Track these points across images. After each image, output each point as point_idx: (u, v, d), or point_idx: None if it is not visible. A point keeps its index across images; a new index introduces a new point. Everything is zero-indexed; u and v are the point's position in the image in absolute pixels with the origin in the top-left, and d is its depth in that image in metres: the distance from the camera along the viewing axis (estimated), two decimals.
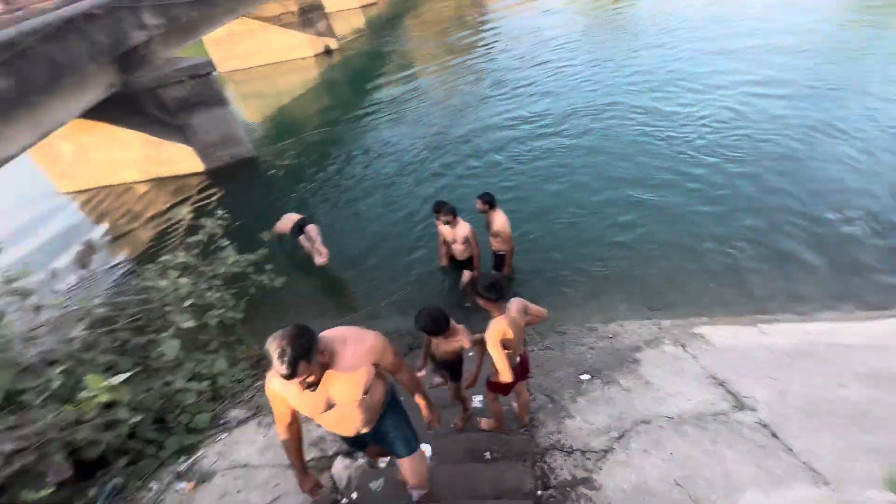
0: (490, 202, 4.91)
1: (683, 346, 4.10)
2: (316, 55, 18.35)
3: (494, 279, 2.62)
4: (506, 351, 2.71)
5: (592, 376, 3.88)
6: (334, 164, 9.63)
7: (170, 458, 3.51)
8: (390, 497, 2.87)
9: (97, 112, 8.75)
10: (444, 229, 5.20)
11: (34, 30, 6.41)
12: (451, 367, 3.29)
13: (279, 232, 6.43)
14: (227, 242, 4.94)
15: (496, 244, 5.16)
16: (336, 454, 3.40)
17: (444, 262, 5.68)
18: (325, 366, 1.83)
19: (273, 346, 1.64)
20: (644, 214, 6.39)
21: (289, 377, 1.64)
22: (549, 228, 6.50)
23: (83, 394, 2.91)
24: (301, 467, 2.19)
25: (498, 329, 2.66)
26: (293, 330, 1.68)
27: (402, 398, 2.38)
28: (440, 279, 5.96)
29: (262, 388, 4.36)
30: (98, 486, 3.27)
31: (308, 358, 1.67)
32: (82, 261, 4.92)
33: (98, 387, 2.86)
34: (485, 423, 3.47)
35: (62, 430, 2.99)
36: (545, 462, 3.07)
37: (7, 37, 6.03)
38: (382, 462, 3.28)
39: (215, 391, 4.19)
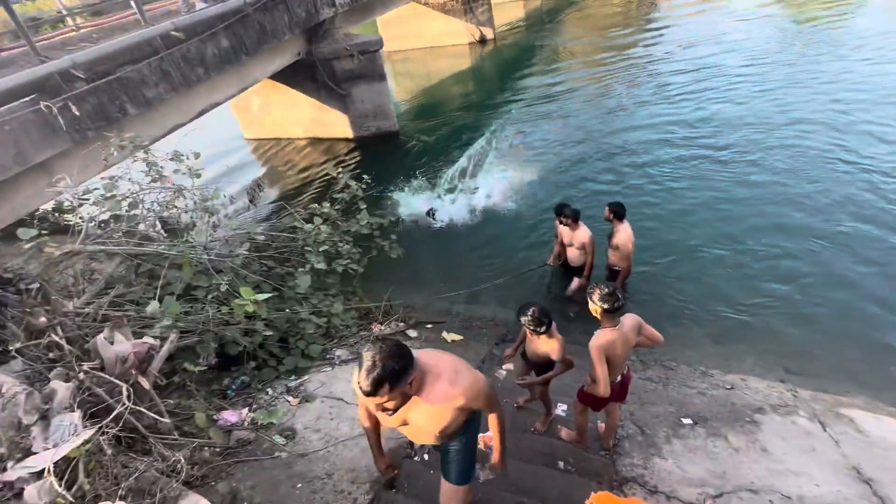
0: (618, 212, 4.65)
1: (823, 424, 3.46)
2: (470, 43, 18.91)
3: (613, 289, 2.51)
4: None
5: (696, 423, 3.51)
6: (464, 150, 9.94)
7: (284, 374, 4.11)
8: None
9: (281, 75, 10.27)
10: (564, 230, 5.08)
11: (256, 0, 7.71)
12: (539, 368, 3.25)
13: None
14: (364, 206, 5.49)
15: (614, 258, 4.88)
16: None
17: (552, 261, 5.55)
18: (408, 396, 1.65)
19: (366, 356, 1.51)
20: (812, 264, 5.47)
21: (366, 395, 1.51)
22: (688, 255, 5.94)
23: (237, 301, 3.54)
24: (378, 450, 2.21)
25: (605, 339, 2.55)
26: (392, 348, 1.53)
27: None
28: (546, 281, 5.86)
29: (365, 337, 4.82)
30: (231, 378, 3.99)
31: (394, 384, 1.51)
32: (252, 195, 5.90)
33: (249, 298, 3.46)
34: (566, 433, 3.38)
35: (217, 325, 3.70)
36: (623, 492, 2.89)
37: (236, 4, 7.37)
38: None
39: (328, 329, 4.75)
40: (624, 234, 4.70)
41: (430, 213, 7.80)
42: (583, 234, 4.91)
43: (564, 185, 7.95)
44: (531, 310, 2.76)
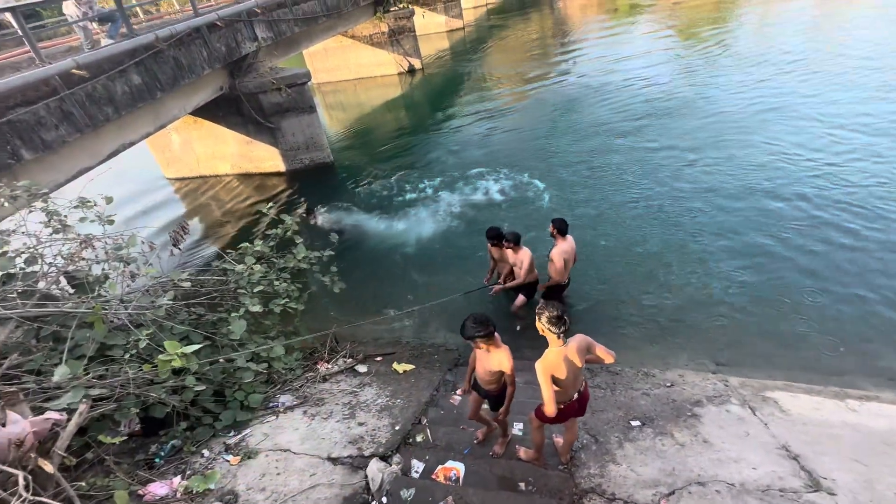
0: (559, 228, 4.89)
1: (753, 409, 3.74)
2: (399, 73, 19.33)
3: (562, 312, 2.53)
4: (555, 387, 2.62)
5: (644, 424, 3.64)
6: (402, 175, 10.01)
7: (222, 431, 3.76)
8: None
9: (203, 110, 9.82)
10: (508, 253, 5.19)
11: (169, 35, 7.38)
12: (494, 398, 3.22)
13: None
14: (300, 240, 5.27)
15: (550, 270, 5.09)
16: (372, 455, 3.45)
17: (500, 281, 5.65)
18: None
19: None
20: (729, 257, 6.06)
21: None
22: (621, 260, 6.32)
23: (161, 357, 3.20)
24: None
25: (549, 362, 2.58)
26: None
27: None
28: (490, 301, 5.93)
29: (311, 379, 4.55)
30: (159, 444, 3.57)
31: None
32: (175, 238, 5.47)
33: (174, 352, 3.14)
34: (523, 452, 3.37)
35: (139, 386, 3.31)
36: None
37: (147, 40, 6.99)
38: (416, 472, 3.28)
39: (270, 375, 4.44)
40: (557, 248, 4.93)
41: (312, 212, 8.03)
42: (524, 254, 5.06)
43: (492, 207, 8.21)
44: (468, 319, 2.80)
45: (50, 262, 4.00)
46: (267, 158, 11.08)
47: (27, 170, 5.70)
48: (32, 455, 2.27)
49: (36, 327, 3.55)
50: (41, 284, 3.82)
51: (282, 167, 11.12)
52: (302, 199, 7.04)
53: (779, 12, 19.04)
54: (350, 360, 5.05)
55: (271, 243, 5.11)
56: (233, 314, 4.28)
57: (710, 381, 4.25)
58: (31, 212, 4.20)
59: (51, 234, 4.13)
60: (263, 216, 5.43)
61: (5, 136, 5.26)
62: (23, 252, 3.84)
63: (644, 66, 14.38)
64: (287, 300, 4.73)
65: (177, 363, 3.25)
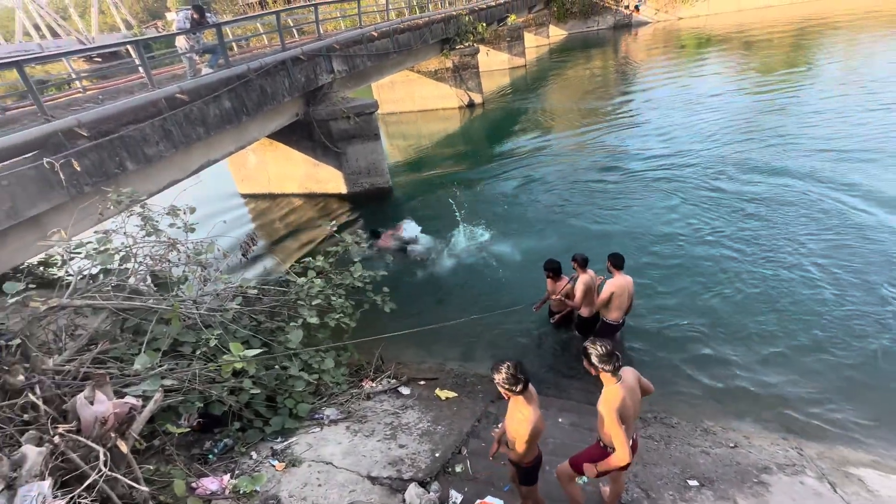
0: (614, 262, 4.77)
1: (833, 485, 3.36)
2: (459, 107, 20.04)
3: (612, 349, 2.47)
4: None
5: (703, 485, 3.37)
6: (454, 206, 10.21)
7: (270, 435, 3.90)
8: None
9: (279, 134, 10.67)
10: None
11: (259, 67, 8.20)
12: (524, 470, 2.88)
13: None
14: (358, 259, 5.51)
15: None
16: (411, 480, 3.43)
17: (556, 307, 5.58)
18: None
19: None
20: (807, 313, 5.59)
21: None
22: (682, 307, 6.01)
23: (225, 357, 3.44)
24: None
25: (612, 400, 2.46)
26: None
27: None
28: (541, 332, 5.82)
29: (356, 395, 4.64)
30: (213, 440, 3.76)
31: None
32: (245, 248, 5.90)
33: (238, 354, 3.36)
34: None
35: (203, 382, 3.55)
36: None
37: (240, 71, 7.82)
38: (454, 502, 3.22)
39: (318, 387, 4.59)
40: (611, 282, 4.79)
41: (378, 234, 8.52)
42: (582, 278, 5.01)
43: (546, 238, 8.16)
44: (505, 364, 2.50)
45: (140, 261, 4.46)
46: (330, 180, 11.76)
47: (128, 179, 6.43)
48: (112, 434, 2.49)
49: (122, 319, 3.93)
50: (131, 280, 4.25)
51: (343, 189, 11.73)
52: (360, 222, 7.38)
53: (867, 53, 17.92)
54: (394, 381, 5.11)
55: (331, 260, 5.37)
56: (291, 324, 4.50)
57: (781, 446, 3.88)
58: (130, 216, 4.73)
59: (143, 237, 4.62)
60: (325, 233, 5.73)
61: (116, 149, 6.01)
62: (120, 250, 4.31)
63: (707, 110, 13.95)
64: (341, 315, 4.91)
65: (238, 365, 3.48)
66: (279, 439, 3.88)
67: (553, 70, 25.87)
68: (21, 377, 2.68)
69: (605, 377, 2.51)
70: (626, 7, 36.84)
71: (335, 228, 5.71)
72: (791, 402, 4.52)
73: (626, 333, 5.45)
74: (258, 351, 3.75)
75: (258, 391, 3.84)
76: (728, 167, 9.79)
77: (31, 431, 2.47)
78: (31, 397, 2.60)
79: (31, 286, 3.60)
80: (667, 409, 4.52)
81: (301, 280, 4.92)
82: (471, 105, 19.98)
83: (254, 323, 4.71)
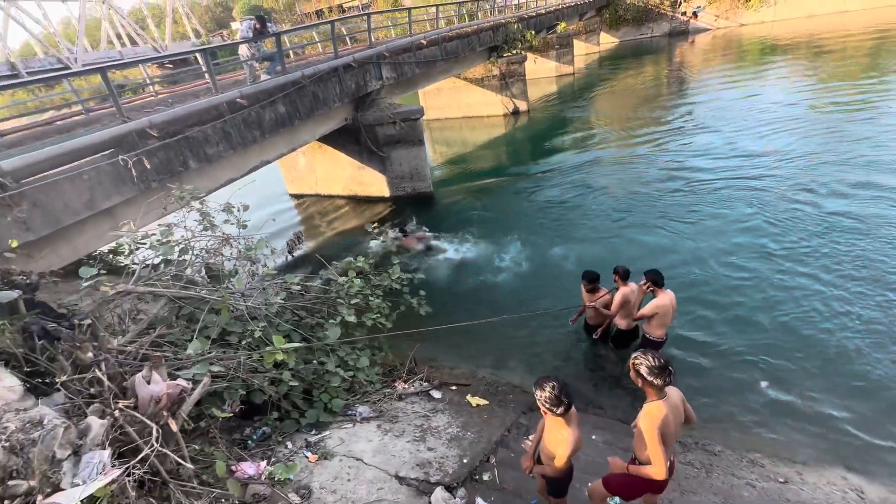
0: (655, 280, 4.60)
1: None
2: (504, 114, 20.03)
3: (666, 362, 2.37)
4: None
5: None
6: (494, 213, 10.20)
7: (305, 427, 4.05)
8: None
9: (328, 138, 11.11)
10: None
11: (313, 73, 8.60)
12: (549, 481, 2.89)
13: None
14: (397, 261, 5.64)
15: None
16: (438, 483, 3.45)
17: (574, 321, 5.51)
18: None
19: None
20: (876, 342, 5.11)
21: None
22: (732, 326, 5.69)
23: (268, 348, 3.62)
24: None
25: (655, 416, 2.38)
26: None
27: None
28: (578, 344, 5.69)
29: (388, 395, 4.73)
30: (253, 427, 3.96)
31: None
32: (291, 246, 6.18)
33: (280, 346, 3.52)
34: None
35: (246, 371, 3.75)
36: None
37: (295, 77, 8.23)
38: None
39: (352, 384, 4.71)
40: (654, 302, 4.62)
41: (405, 232, 8.64)
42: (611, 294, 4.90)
43: (588, 247, 7.98)
44: (551, 384, 2.47)
45: (197, 254, 4.78)
46: (374, 184, 12.09)
47: (190, 177, 6.91)
48: (164, 413, 2.68)
49: (178, 306, 4.23)
50: (188, 271, 4.57)
51: (386, 193, 12.02)
52: (397, 221, 7.54)
53: None
54: (426, 384, 5.16)
55: (371, 261, 5.52)
56: (330, 321, 4.67)
57: (839, 486, 3.58)
58: (190, 211, 5.09)
59: (200, 231, 4.95)
60: (366, 234, 5.90)
61: (182, 149, 6.48)
62: (180, 243, 4.65)
63: (778, 120, 13.11)
64: (378, 315, 5.03)
65: (279, 357, 3.64)
66: (313, 432, 4.02)
67: (603, 78, 25.31)
68: (90, 354, 2.94)
69: (651, 391, 2.43)
70: (684, 13, 35.46)
71: (376, 230, 5.88)
72: (853, 437, 4.16)
73: (668, 348, 5.23)
74: (297, 345, 3.93)
75: (296, 384, 4.00)
76: (808, 181, 9.01)
77: (95, 404, 2.70)
78: (98, 373, 2.85)
79: (101, 272, 3.95)
80: (709, 436, 4.28)
81: (342, 279, 5.09)
82: (516, 112, 19.91)
83: (295, 318, 4.92)
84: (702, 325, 5.74)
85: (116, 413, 2.61)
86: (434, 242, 9.03)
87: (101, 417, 2.59)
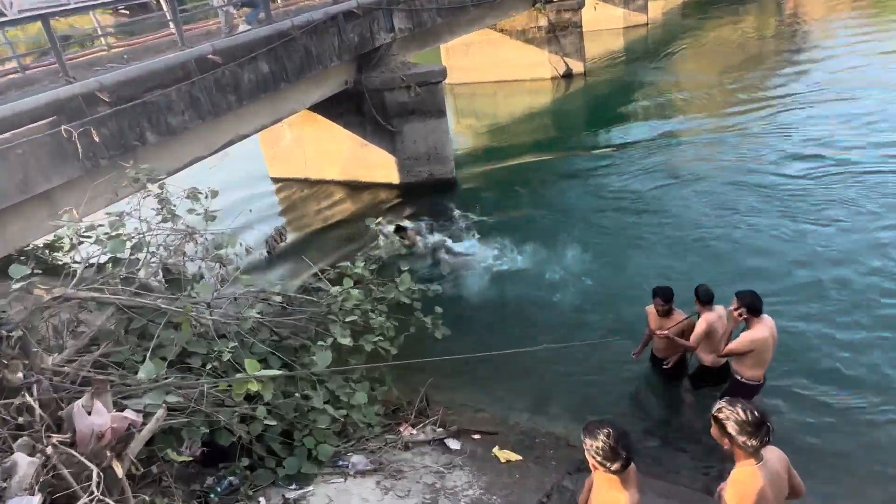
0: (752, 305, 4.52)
1: None
2: (553, 78, 20.00)
3: (761, 414, 2.33)
4: None
5: None
6: (538, 206, 10.18)
7: (283, 480, 4.13)
8: None
9: (322, 106, 11.32)
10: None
11: (305, 23, 8.81)
12: None
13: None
14: (406, 268, 5.71)
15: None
16: None
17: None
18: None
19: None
20: None
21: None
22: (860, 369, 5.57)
23: (239, 375, 3.71)
24: None
25: (751, 482, 2.35)
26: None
27: None
28: (642, 382, 5.66)
29: (391, 442, 4.78)
30: (216, 477, 4.06)
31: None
32: (271, 245, 6.33)
33: (254, 373, 3.61)
34: None
35: (211, 405, 3.85)
36: None
37: (283, 27, 8.45)
38: None
39: (344, 426, 4.78)
40: (749, 334, 4.54)
41: (405, 230, 8.75)
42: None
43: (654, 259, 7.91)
44: (605, 430, 2.40)
45: (153, 252, 4.95)
46: (380, 167, 12.24)
47: (148, 154, 7.16)
48: (108, 452, 2.78)
49: (128, 318, 4.38)
50: (141, 273, 4.73)
51: (395, 178, 12.16)
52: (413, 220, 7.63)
53: None
54: (440, 429, 5.18)
55: (372, 266, 5.60)
56: (318, 343, 4.75)
57: None
58: (146, 196, 5.27)
59: (159, 223, 5.13)
60: (368, 233, 5.99)
61: (138, 118, 6.73)
62: (133, 237, 4.82)
63: None
64: (380, 338, 5.09)
65: (252, 387, 3.72)
66: (293, 486, 4.09)
67: (687, 30, 25.06)
68: (20, 374, 3.08)
69: (741, 453, 2.40)
70: None
71: (378, 227, 5.95)
72: None
73: (767, 394, 5.13)
74: (277, 372, 4.01)
75: (273, 423, 4.08)
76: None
77: (24, 438, 2.83)
78: (28, 399, 2.99)
79: (36, 272, 4.14)
80: None
81: (335, 289, 5.17)
82: (568, 75, 19.86)
83: (274, 338, 5.03)
84: (824, 369, 5.61)
85: (49, 450, 2.72)
86: (448, 243, 9.10)
87: (31, 455, 2.70)
